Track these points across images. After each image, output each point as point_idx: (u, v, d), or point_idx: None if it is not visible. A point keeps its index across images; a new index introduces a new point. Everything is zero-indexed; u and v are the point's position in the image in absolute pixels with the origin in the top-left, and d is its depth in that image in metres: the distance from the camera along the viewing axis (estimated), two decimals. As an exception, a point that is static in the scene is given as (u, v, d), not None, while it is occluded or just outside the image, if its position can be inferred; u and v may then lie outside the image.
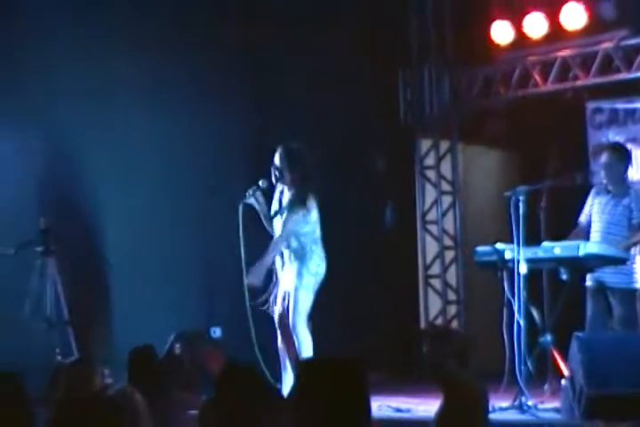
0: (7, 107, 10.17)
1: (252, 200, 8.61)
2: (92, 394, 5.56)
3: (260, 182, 8.58)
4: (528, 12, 10.76)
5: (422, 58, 11.64)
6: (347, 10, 10.91)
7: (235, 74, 10.90)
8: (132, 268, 10.42)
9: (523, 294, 8.11)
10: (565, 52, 10.71)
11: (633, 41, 10.26)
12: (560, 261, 8.21)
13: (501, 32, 11.05)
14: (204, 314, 10.47)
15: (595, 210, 8.65)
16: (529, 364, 8.12)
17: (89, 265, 10.66)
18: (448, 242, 11.70)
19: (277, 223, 8.62)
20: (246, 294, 8.57)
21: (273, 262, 8.58)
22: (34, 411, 5.86)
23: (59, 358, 9.81)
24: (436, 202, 11.74)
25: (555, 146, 9.80)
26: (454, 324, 11.46)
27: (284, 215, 8.49)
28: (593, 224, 8.64)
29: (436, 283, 11.69)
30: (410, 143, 11.79)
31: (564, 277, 8.27)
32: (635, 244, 8.53)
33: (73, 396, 5.79)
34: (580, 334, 7.72)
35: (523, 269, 8.06)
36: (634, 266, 8.52)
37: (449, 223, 11.70)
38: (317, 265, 8.51)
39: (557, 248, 8.13)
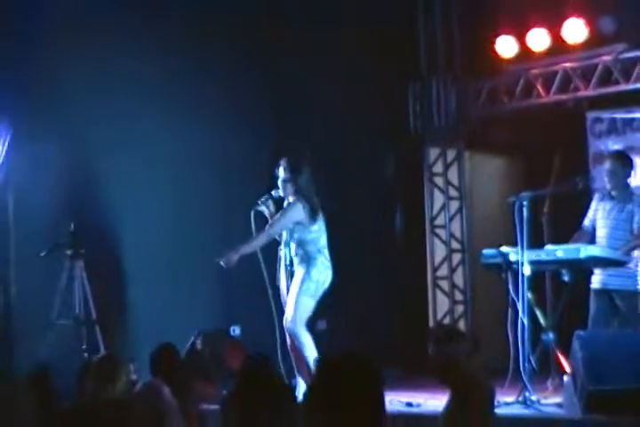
0: (41, 120, 10.20)
1: (263, 208, 8.65)
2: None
3: (273, 191, 8.62)
4: (531, 28, 10.76)
5: (431, 71, 11.64)
6: (361, 26, 10.92)
7: (251, 84, 10.89)
8: (154, 270, 10.43)
9: (526, 294, 8.11)
10: (567, 65, 10.71)
11: (631, 54, 10.27)
12: (562, 263, 8.18)
13: (506, 46, 11.05)
14: (224, 313, 10.46)
15: (599, 215, 8.64)
16: (532, 361, 8.12)
17: (114, 267, 10.68)
18: (455, 245, 11.68)
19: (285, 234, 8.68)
20: (269, 291, 8.63)
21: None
22: (61, 404, 5.87)
23: (86, 354, 9.82)
24: (443, 207, 11.72)
25: (556, 154, 9.73)
26: (461, 323, 11.44)
27: (274, 217, 8.51)
28: (598, 230, 8.62)
29: (444, 284, 11.67)
30: (419, 151, 11.78)
31: (566, 278, 8.25)
32: (633, 247, 8.49)
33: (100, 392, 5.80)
34: (581, 332, 7.71)
35: (526, 270, 8.06)
36: (638, 269, 8.49)
37: (456, 227, 11.68)
38: (319, 272, 8.48)
39: (559, 251, 8.11)
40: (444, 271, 11.69)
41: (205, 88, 10.57)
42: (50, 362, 9.16)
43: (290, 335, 8.44)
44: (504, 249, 8.31)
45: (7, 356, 10.11)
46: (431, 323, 11.39)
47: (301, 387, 8.01)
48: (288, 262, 8.63)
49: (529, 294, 8.15)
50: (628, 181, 8.69)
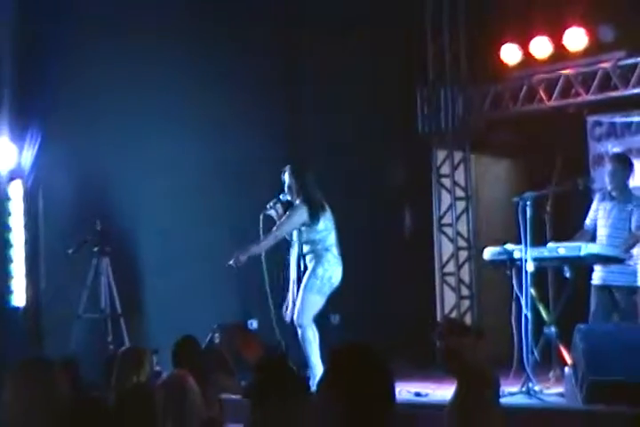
0: (69, 125, 10.23)
1: (271, 211, 8.71)
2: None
3: (281, 196, 8.67)
4: (534, 36, 10.75)
5: (438, 77, 11.63)
6: (371, 33, 10.91)
7: (265, 89, 10.90)
8: (175, 267, 10.45)
9: (530, 289, 8.09)
10: (568, 71, 10.70)
11: (629, 61, 10.26)
12: (564, 260, 8.16)
13: (510, 53, 11.04)
14: (242, 308, 10.47)
15: (600, 215, 8.63)
16: (535, 353, 8.11)
17: (138, 264, 10.70)
18: (462, 243, 11.67)
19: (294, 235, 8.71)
20: (269, 293, 8.69)
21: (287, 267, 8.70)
22: (88, 394, 5.88)
23: (111, 347, 9.84)
24: (450, 207, 11.71)
25: (558, 156, 9.71)
26: (467, 317, 11.43)
27: (280, 220, 8.55)
28: (599, 229, 8.61)
29: (451, 280, 11.66)
30: (427, 154, 11.78)
31: (568, 274, 8.24)
32: (632, 245, 8.48)
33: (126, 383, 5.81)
34: (581, 326, 7.70)
35: (530, 267, 8.04)
36: (636, 266, 8.48)
37: (462, 226, 11.67)
38: (325, 270, 8.50)
39: (561, 248, 8.10)
40: (450, 268, 11.69)
41: (223, 94, 10.59)
42: (77, 354, 9.20)
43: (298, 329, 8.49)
44: (508, 247, 8.29)
45: (37, 348, 10.14)
46: (439, 317, 11.38)
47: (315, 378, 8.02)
48: (297, 261, 8.68)
49: (532, 290, 8.13)
50: (628, 182, 8.68)
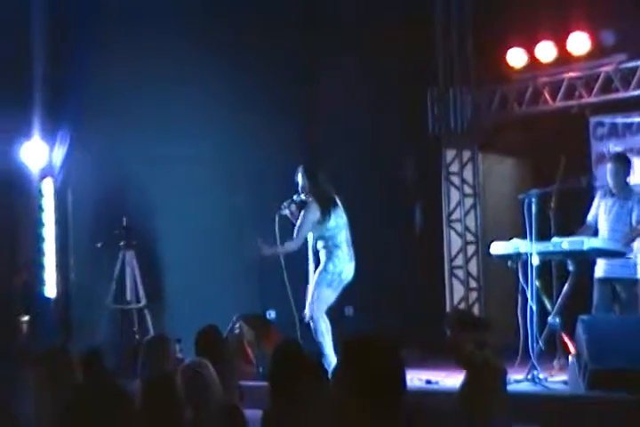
0: (96, 128, 10.26)
1: (286, 211, 8.75)
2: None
3: (295, 196, 8.68)
4: (539, 40, 10.70)
5: (448, 80, 11.60)
6: (386, 39, 10.89)
7: (284, 90, 10.89)
8: (199, 259, 10.46)
9: (535, 282, 8.09)
10: (571, 74, 10.65)
11: (630, 64, 10.21)
12: (567, 254, 8.15)
13: (516, 57, 10.99)
14: (261, 299, 10.47)
15: (601, 211, 8.61)
16: (540, 343, 8.10)
17: (162, 257, 10.72)
18: (470, 238, 11.65)
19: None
20: (288, 287, 8.69)
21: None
22: (115, 382, 5.88)
23: (137, 336, 9.86)
24: (459, 203, 11.68)
25: (562, 155, 9.67)
26: (475, 308, 11.40)
27: (298, 223, 8.55)
28: (600, 224, 8.59)
29: (460, 273, 11.63)
30: (437, 153, 11.74)
31: (571, 267, 8.24)
32: (632, 239, 8.45)
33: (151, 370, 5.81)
34: (584, 317, 7.69)
35: (535, 260, 8.04)
36: (637, 259, 8.45)
37: (471, 221, 11.64)
38: (335, 266, 8.51)
39: (565, 243, 8.07)
40: (459, 261, 11.66)
41: (243, 94, 10.61)
42: (104, 343, 9.21)
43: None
44: (515, 241, 8.29)
45: (66, 337, 10.16)
46: (448, 308, 11.37)
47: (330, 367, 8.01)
48: (314, 256, 8.72)
49: (537, 282, 8.12)
50: (628, 179, 8.65)
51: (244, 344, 9.33)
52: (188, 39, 10.31)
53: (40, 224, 10.53)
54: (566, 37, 10.44)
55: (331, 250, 8.52)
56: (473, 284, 11.58)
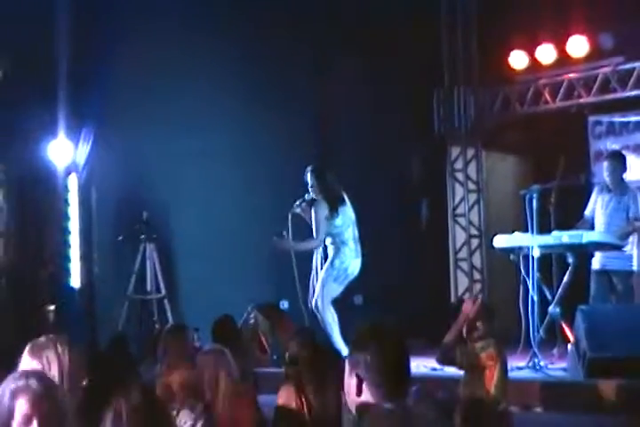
0: (119, 126, 10.25)
1: (298, 210, 8.75)
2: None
3: (306, 195, 8.69)
4: (540, 43, 10.67)
5: (453, 81, 11.57)
6: (394, 42, 10.87)
7: (296, 91, 10.88)
8: (214, 253, 10.45)
9: (535, 274, 8.06)
10: (571, 76, 10.62)
11: (627, 66, 10.18)
12: (567, 247, 8.12)
13: (518, 59, 10.96)
14: (275, 290, 10.47)
15: (598, 206, 8.57)
16: (541, 331, 8.08)
17: (181, 250, 10.72)
18: (474, 231, 11.62)
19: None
20: (297, 281, 8.72)
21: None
22: (137, 367, 5.88)
23: (157, 325, 9.86)
24: (463, 198, 11.66)
25: (562, 153, 9.65)
26: (479, 298, 11.37)
27: (313, 224, 8.57)
28: (597, 218, 8.56)
29: (464, 265, 11.61)
30: (442, 150, 11.73)
31: (570, 260, 8.20)
32: (628, 233, 8.42)
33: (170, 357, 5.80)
34: (583, 307, 7.68)
35: (536, 253, 8.02)
36: (632, 252, 8.42)
37: (474, 216, 11.62)
38: (341, 262, 8.53)
39: (565, 236, 8.05)
40: (463, 254, 11.64)
41: (259, 97, 10.60)
42: (126, 331, 9.22)
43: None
44: (516, 235, 8.27)
45: (91, 326, 10.18)
46: (452, 298, 11.36)
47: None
48: (321, 252, 8.74)
49: (538, 274, 8.09)
50: (624, 176, 8.61)
51: (258, 333, 9.33)
52: (207, 39, 10.29)
53: (65, 218, 10.55)
54: (566, 40, 10.41)
55: (338, 246, 8.52)
56: (477, 275, 11.56)
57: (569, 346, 7.73)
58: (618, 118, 10.62)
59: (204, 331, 7.49)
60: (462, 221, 11.66)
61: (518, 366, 7.69)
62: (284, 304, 10.12)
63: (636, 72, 10.08)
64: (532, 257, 8.02)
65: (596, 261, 8.47)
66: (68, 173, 10.59)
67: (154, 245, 10.22)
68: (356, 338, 3.35)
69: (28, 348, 3.90)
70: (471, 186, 11.67)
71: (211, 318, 6.82)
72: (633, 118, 10.44)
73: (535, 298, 8.01)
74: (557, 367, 7.84)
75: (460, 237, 11.68)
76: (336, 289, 8.51)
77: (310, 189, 8.62)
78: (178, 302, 10.37)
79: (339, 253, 8.53)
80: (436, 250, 11.55)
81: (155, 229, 10.25)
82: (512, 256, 8.33)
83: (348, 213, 8.59)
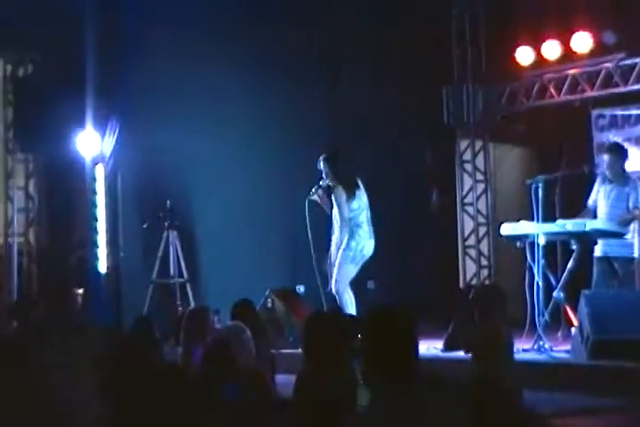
0: (142, 117, 10.25)
1: (314, 197, 8.77)
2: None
3: (321, 182, 8.68)
4: (545, 40, 10.58)
5: (462, 76, 11.51)
6: (408, 42, 10.82)
7: (314, 87, 10.86)
8: (234, 239, 10.45)
9: (541, 260, 8.02)
10: (575, 71, 10.53)
11: (629, 61, 10.08)
12: (571, 234, 8.09)
13: (524, 55, 10.88)
14: (291, 275, 10.46)
15: (601, 196, 8.51)
16: (546, 315, 8.04)
17: (202, 237, 10.71)
18: (481, 220, 11.57)
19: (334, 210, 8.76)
20: (315, 264, 8.73)
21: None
22: (160, 349, 5.87)
23: (180, 308, 9.86)
24: (472, 188, 11.61)
25: (566, 144, 9.62)
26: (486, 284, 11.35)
27: (337, 208, 8.55)
28: (599, 208, 8.50)
29: (472, 252, 11.56)
30: (452, 142, 11.68)
31: (574, 247, 8.18)
32: (629, 221, 8.36)
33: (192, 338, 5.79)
34: (586, 291, 7.64)
35: (541, 240, 7.98)
36: (633, 239, 8.36)
37: (482, 205, 11.57)
38: (357, 244, 8.54)
39: (569, 224, 8.01)
40: (471, 241, 11.59)
41: (274, 95, 10.57)
42: (150, 314, 9.22)
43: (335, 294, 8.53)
44: (522, 223, 8.23)
45: (116, 309, 10.19)
46: (461, 284, 11.33)
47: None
48: (335, 235, 8.72)
49: (543, 260, 8.05)
50: (624, 167, 8.55)
51: (275, 316, 9.32)
52: (222, 35, 10.25)
53: (93, 206, 10.55)
54: (570, 37, 10.32)
55: (353, 229, 8.52)
56: (484, 262, 11.51)
57: (572, 329, 7.70)
58: (620, 112, 10.55)
59: (223, 314, 7.47)
60: (470, 209, 11.61)
61: (524, 349, 7.66)
62: (300, 289, 10.10)
63: (637, 67, 9.99)
64: (538, 244, 7.98)
65: (599, 249, 8.41)
66: (95, 163, 10.59)
67: (176, 231, 10.21)
68: (368, 320, 3.35)
69: None
70: (479, 176, 11.62)
71: (230, 301, 6.79)
72: (634, 112, 10.37)
73: (540, 283, 7.98)
74: (561, 350, 7.81)
75: (469, 225, 11.63)
76: (352, 270, 8.52)
77: (325, 176, 8.62)
78: (199, 286, 10.37)
79: (354, 236, 8.52)
80: (446, 237, 11.51)
81: (177, 216, 10.24)
82: (518, 243, 8.29)
83: (362, 197, 8.60)
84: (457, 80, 11.52)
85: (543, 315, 7.96)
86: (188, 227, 10.46)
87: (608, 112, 10.64)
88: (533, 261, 8.03)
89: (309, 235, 8.70)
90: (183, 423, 2.83)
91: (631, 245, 8.36)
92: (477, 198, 11.58)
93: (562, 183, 8.53)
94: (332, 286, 8.50)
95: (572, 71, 10.55)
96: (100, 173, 10.60)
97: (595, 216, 8.48)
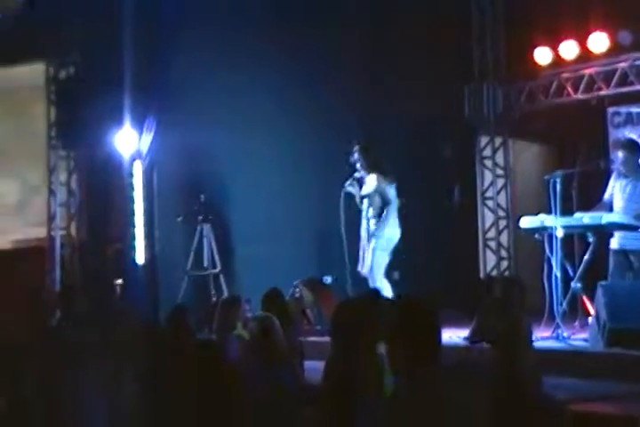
0: (179, 115, 10.27)
1: (349, 188, 8.76)
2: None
3: (355, 174, 8.66)
4: (563, 40, 10.50)
5: (483, 75, 11.45)
6: (432, 43, 10.77)
7: (344, 85, 10.84)
8: (265, 232, 10.45)
9: (559, 252, 7.97)
10: (591, 70, 10.44)
11: (644, 61, 10.00)
12: (588, 227, 8.02)
13: (542, 55, 10.80)
14: (319, 266, 10.45)
15: (616, 190, 8.42)
16: (564, 305, 7.99)
17: (234, 229, 10.72)
18: (501, 213, 11.51)
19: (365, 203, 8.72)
20: (346, 253, 8.69)
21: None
22: (195, 336, 5.87)
23: (213, 298, 9.89)
24: (492, 183, 11.54)
25: (583, 141, 9.54)
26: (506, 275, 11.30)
27: (379, 195, 8.53)
28: (615, 202, 8.40)
29: (492, 244, 11.50)
30: (472, 139, 11.62)
31: (591, 239, 8.11)
32: None
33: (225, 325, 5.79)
34: (603, 282, 7.59)
35: (559, 233, 7.93)
36: None
37: (502, 199, 11.50)
38: (390, 231, 8.55)
39: (586, 217, 7.95)
40: (492, 234, 11.53)
41: (305, 92, 10.54)
42: (185, 303, 9.25)
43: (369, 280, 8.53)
44: (541, 216, 8.17)
45: (153, 298, 10.22)
46: (482, 274, 11.29)
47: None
48: (367, 223, 8.71)
49: (561, 253, 8.00)
50: (639, 162, 8.45)
51: (303, 305, 9.32)
52: (255, 34, 10.23)
53: (131, 201, 10.59)
54: (587, 37, 10.24)
55: (387, 217, 8.51)
56: (504, 254, 11.45)
57: (589, 318, 7.64)
58: (635, 109, 10.46)
59: (254, 303, 7.48)
60: (491, 203, 11.56)
61: (543, 337, 7.61)
62: (328, 279, 10.09)
63: (652, 66, 9.90)
64: (556, 237, 7.93)
65: (615, 241, 8.33)
66: (132, 160, 10.62)
67: (210, 225, 10.23)
68: (393, 309, 3.35)
69: None
70: (499, 172, 11.55)
71: (261, 291, 6.79)
72: (649, 109, 10.29)
73: (558, 275, 7.92)
74: (579, 338, 7.75)
75: (489, 218, 11.57)
76: (385, 257, 8.55)
77: (359, 168, 8.63)
78: (231, 277, 10.38)
79: (386, 224, 8.51)
80: (467, 230, 11.47)
81: (211, 210, 10.26)
82: (537, 236, 8.24)
83: (394, 187, 8.60)
84: (478, 79, 11.46)
85: (561, 304, 7.91)
86: (221, 220, 10.48)
87: (623, 110, 10.55)
88: (552, 252, 7.97)
89: (342, 227, 8.68)
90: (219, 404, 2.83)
91: (648, 238, 8.28)
92: (497, 193, 11.52)
93: (579, 178, 8.45)
94: (368, 275, 8.51)
95: (588, 70, 10.46)
96: (137, 169, 10.64)
97: (611, 210, 8.40)
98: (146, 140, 10.53)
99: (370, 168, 8.57)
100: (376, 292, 5.57)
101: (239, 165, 10.45)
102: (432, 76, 10.90)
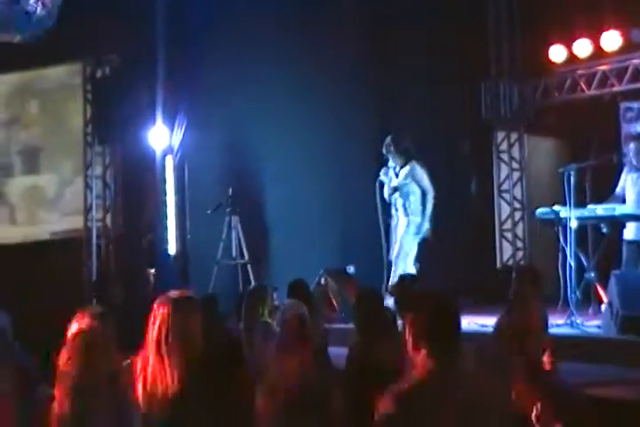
0: (208, 112, 10.28)
1: (384, 178, 8.78)
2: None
3: (389, 163, 8.69)
4: (577, 38, 10.43)
5: (499, 72, 11.39)
6: (449, 41, 10.70)
7: (371, 83, 10.83)
8: (290, 223, 10.45)
9: (573, 243, 7.91)
10: (604, 67, 10.36)
11: (655, 58, 9.91)
12: (601, 218, 7.97)
13: (557, 53, 10.73)
14: (343, 256, 10.44)
15: (628, 183, 8.37)
16: (578, 293, 7.93)
17: (261, 221, 10.73)
18: (517, 205, 11.47)
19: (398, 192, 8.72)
20: (383, 238, 8.71)
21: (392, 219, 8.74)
22: (224, 324, 5.88)
23: (241, 287, 9.90)
24: (508, 176, 11.50)
25: (596, 135, 9.46)
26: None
27: (416, 183, 8.51)
28: (627, 194, 8.35)
29: (508, 235, 11.46)
30: (489, 134, 11.58)
31: (604, 230, 8.06)
32: None
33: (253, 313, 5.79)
34: (616, 271, 7.54)
35: (573, 224, 7.86)
36: None
37: (518, 192, 11.46)
38: (418, 219, 8.59)
39: (599, 209, 7.91)
40: (508, 225, 11.49)
41: (330, 90, 10.54)
42: (215, 292, 9.27)
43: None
44: (555, 208, 8.13)
45: (185, 287, 10.23)
46: (498, 264, 11.25)
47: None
48: (398, 212, 8.73)
49: (575, 243, 7.94)
50: (651, 156, 8.40)
51: (328, 294, 9.31)
52: (284, 32, 10.20)
53: (163, 193, 10.62)
54: (600, 35, 10.16)
55: (414, 206, 8.51)
56: (519, 244, 11.41)
57: (602, 306, 7.59)
58: (647, 105, 10.38)
59: (281, 292, 7.48)
60: (507, 196, 11.51)
61: (557, 324, 7.56)
62: (351, 269, 10.08)
63: (663, 63, 9.80)
64: (570, 228, 7.87)
65: (628, 232, 8.28)
66: (164, 155, 10.65)
67: (238, 217, 10.24)
68: (414, 298, 3.34)
69: None
70: (515, 165, 11.50)
71: (287, 280, 6.79)
72: (660, 105, 10.19)
73: (572, 264, 7.87)
74: (592, 325, 7.70)
75: (505, 210, 11.53)
76: (414, 244, 8.55)
77: (392, 159, 8.65)
78: (259, 267, 10.39)
79: (416, 212, 8.55)
80: (484, 222, 11.43)
81: (239, 203, 10.26)
82: (552, 227, 8.19)
83: (428, 176, 8.68)
84: (494, 76, 11.40)
85: (575, 293, 7.86)
86: (249, 212, 10.48)
87: (635, 105, 10.46)
88: (566, 243, 7.92)
89: (380, 216, 8.71)
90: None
91: (660, 230, 8.21)
92: (513, 185, 11.47)
93: (592, 171, 8.40)
94: (397, 261, 8.53)
95: (601, 67, 10.39)
96: (169, 163, 10.66)
97: (623, 202, 8.34)
98: (177, 137, 10.55)
99: (407, 157, 8.56)
100: (412, 276, 5.56)
101: (265, 160, 10.45)
102: (450, 74, 10.86)
